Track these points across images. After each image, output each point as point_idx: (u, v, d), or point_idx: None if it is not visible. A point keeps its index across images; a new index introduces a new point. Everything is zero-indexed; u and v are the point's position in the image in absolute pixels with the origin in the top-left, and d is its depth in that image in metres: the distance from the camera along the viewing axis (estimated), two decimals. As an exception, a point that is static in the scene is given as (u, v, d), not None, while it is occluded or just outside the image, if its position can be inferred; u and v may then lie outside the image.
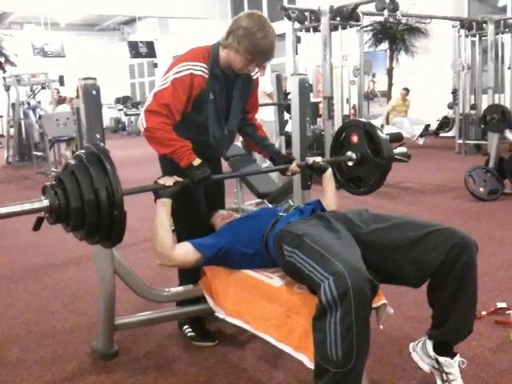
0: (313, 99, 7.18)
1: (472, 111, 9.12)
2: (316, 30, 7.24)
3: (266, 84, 5.87)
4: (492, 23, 8.53)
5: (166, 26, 18.79)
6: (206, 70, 2.28)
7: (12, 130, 10.18)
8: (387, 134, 2.64)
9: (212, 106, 2.35)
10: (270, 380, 2.21)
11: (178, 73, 2.23)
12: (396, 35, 11.65)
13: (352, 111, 8.85)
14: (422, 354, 2.05)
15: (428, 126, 9.74)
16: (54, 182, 1.80)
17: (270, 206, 4.16)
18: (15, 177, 8.92)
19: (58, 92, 11.90)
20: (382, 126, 9.67)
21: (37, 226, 1.82)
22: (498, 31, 8.72)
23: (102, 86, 2.21)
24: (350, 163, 2.68)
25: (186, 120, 2.31)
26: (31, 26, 17.28)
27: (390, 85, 11.71)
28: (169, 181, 2.13)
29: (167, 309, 2.59)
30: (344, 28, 7.20)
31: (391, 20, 7.36)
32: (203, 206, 2.52)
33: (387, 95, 11.62)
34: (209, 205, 2.55)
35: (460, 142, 9.19)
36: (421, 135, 9.57)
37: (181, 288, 2.49)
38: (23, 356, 2.51)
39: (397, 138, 3.75)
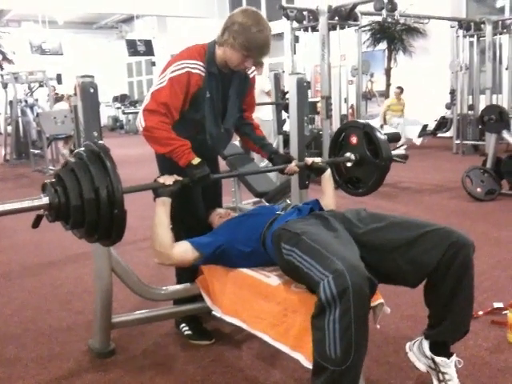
0: (311, 99, 7.20)
1: (470, 111, 9.13)
2: (314, 29, 7.24)
3: (264, 82, 5.88)
4: (490, 24, 8.54)
5: (164, 24, 18.78)
6: (202, 68, 2.28)
7: (9, 128, 10.16)
8: (385, 134, 2.65)
9: (209, 104, 2.35)
10: (267, 379, 2.22)
11: (174, 71, 2.23)
12: (394, 35, 11.66)
13: (350, 111, 8.85)
14: (418, 353, 2.05)
15: (426, 126, 9.75)
16: (53, 180, 1.80)
17: (268, 205, 4.17)
18: (12, 175, 8.90)
19: (55, 90, 11.88)
20: (382, 126, 9.68)
21: (36, 224, 1.82)
22: (496, 32, 8.73)
23: (100, 84, 2.20)
24: (349, 164, 2.68)
25: (183, 119, 2.31)
26: (29, 23, 17.28)
27: (388, 85, 11.72)
28: (168, 180, 2.13)
29: (164, 307, 2.59)
30: (342, 28, 7.20)
31: (389, 20, 7.38)
32: (201, 205, 2.52)
33: (385, 95, 11.63)
34: (206, 204, 2.55)
35: (458, 142, 9.21)
36: (419, 135, 9.58)
37: (178, 286, 2.49)
38: (20, 354, 2.51)
39: (395, 138, 3.77)
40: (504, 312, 2.63)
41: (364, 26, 9.66)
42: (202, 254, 2.21)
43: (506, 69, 9.05)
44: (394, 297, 2.83)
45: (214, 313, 2.22)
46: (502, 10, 10.91)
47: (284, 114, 5.66)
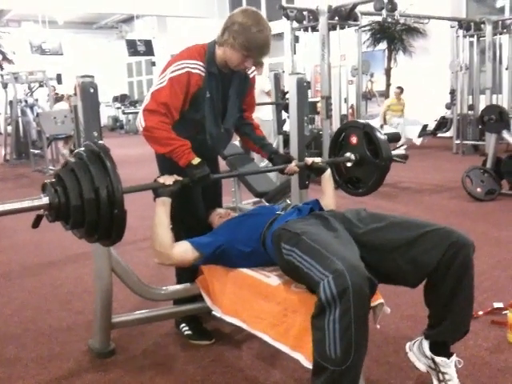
0: (311, 99, 7.20)
1: (470, 111, 9.13)
2: (314, 29, 7.24)
3: (264, 82, 5.88)
4: (490, 24, 8.54)
5: (164, 24, 18.78)
6: (202, 68, 2.28)
7: (9, 128, 10.16)
8: (385, 134, 2.65)
9: (209, 104, 2.35)
10: (267, 379, 2.22)
11: (174, 71, 2.23)
12: (394, 35, 11.66)
13: (350, 111, 8.85)
14: (418, 353, 2.05)
15: (426, 126, 9.75)
16: (53, 180, 1.80)
17: (268, 205, 4.17)
18: (12, 175, 8.90)
19: (54, 89, 11.88)
20: (382, 126, 9.68)
21: (36, 224, 1.82)
22: (496, 32, 8.73)
23: (100, 84, 2.20)
24: (349, 164, 2.68)
25: (182, 119, 2.31)
26: (29, 23, 17.28)
27: (388, 85, 11.73)
28: (168, 180, 2.13)
29: (164, 307, 2.59)
30: (342, 28, 7.19)
31: (389, 20, 7.38)
32: (201, 206, 2.52)
33: (385, 95, 11.63)
34: (206, 204, 2.55)
35: (458, 142, 9.20)
36: (419, 135, 9.58)
37: (178, 286, 2.49)
38: (20, 354, 2.51)
39: (395, 138, 3.77)
40: (504, 312, 2.63)
41: (364, 26, 9.66)
42: (202, 254, 2.21)
43: (506, 69, 9.05)
44: (394, 297, 2.83)
45: (213, 313, 2.22)
46: (502, 10, 10.91)
47: (284, 114, 5.66)
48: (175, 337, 2.61)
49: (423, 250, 1.86)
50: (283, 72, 7.79)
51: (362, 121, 2.78)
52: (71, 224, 1.79)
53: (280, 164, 2.55)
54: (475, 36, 8.95)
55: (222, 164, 3.25)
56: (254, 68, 2.54)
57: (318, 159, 2.59)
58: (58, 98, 11.32)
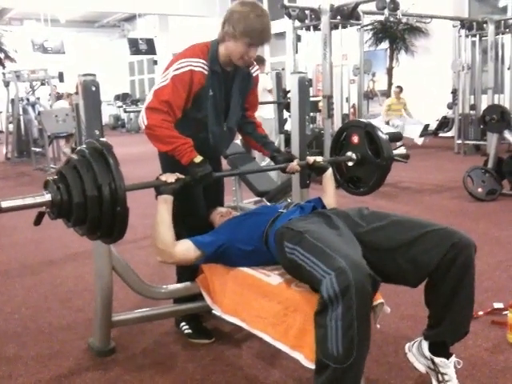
0: (312, 98, 7.19)
1: (471, 111, 9.12)
2: (316, 28, 7.24)
3: (266, 80, 5.87)
4: (492, 23, 8.53)
5: (166, 23, 18.77)
6: (205, 67, 2.28)
7: (11, 126, 10.17)
8: (386, 134, 2.64)
9: (211, 103, 2.34)
10: (267, 378, 2.22)
11: (177, 69, 2.23)
12: (396, 34, 11.65)
13: (351, 110, 8.85)
14: (417, 354, 2.05)
15: (427, 125, 9.75)
16: (56, 177, 1.80)
17: (269, 204, 4.16)
18: (14, 173, 8.91)
19: (56, 88, 11.88)
20: (387, 122, 9.69)
21: (38, 221, 1.82)
22: (498, 31, 8.72)
23: (102, 83, 2.21)
24: (350, 163, 2.68)
25: (185, 117, 2.30)
26: (31, 22, 17.29)
27: (390, 84, 11.71)
28: (171, 177, 2.13)
29: (164, 306, 2.60)
30: (344, 27, 7.19)
31: (392, 19, 7.35)
32: (202, 204, 2.52)
33: (387, 94, 11.62)
34: (208, 203, 2.55)
35: (459, 142, 9.19)
36: (420, 135, 9.57)
37: (178, 285, 2.49)
38: (20, 352, 2.51)
39: (396, 138, 3.76)
40: (504, 312, 2.63)
41: (366, 26, 9.66)
42: (203, 253, 2.21)
43: (508, 68, 9.03)
44: (394, 296, 2.83)
45: (214, 312, 2.22)
46: (504, 10, 10.88)
47: (285, 113, 5.66)
48: (175, 335, 2.61)
49: (424, 249, 1.86)
50: (283, 69, 7.78)
51: (363, 120, 2.78)
52: (73, 221, 1.79)
53: (282, 162, 2.55)
54: (477, 36, 8.94)
55: (223, 163, 3.24)
56: (256, 67, 2.54)
57: (319, 158, 2.59)
58: (59, 97, 11.31)
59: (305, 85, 2.85)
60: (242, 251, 2.18)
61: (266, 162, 5.01)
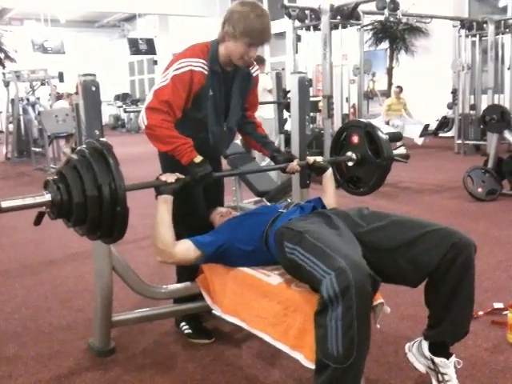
0: (312, 98, 7.19)
1: (471, 111, 9.12)
2: (316, 28, 7.24)
3: (266, 80, 5.87)
4: (492, 23, 8.53)
5: (166, 23, 18.77)
6: (205, 67, 2.28)
7: (11, 126, 10.17)
8: (386, 134, 2.64)
9: (211, 103, 2.35)
10: (267, 378, 2.22)
11: (177, 69, 2.23)
12: (396, 34, 11.65)
13: (351, 110, 8.85)
14: (417, 354, 2.05)
15: (427, 125, 9.75)
16: (56, 177, 1.80)
17: (269, 204, 4.16)
18: (13, 173, 8.91)
19: (56, 88, 11.88)
20: (388, 122, 9.69)
21: (38, 221, 1.82)
22: (498, 31, 8.72)
23: (102, 83, 2.21)
24: (350, 163, 2.68)
25: (185, 117, 2.30)
26: (31, 22, 17.28)
27: (390, 84, 11.71)
28: (170, 177, 2.13)
29: (164, 306, 2.60)
30: (344, 27, 7.19)
31: (392, 19, 7.35)
32: (202, 205, 2.52)
33: (387, 94, 11.63)
34: (208, 203, 2.55)
35: (459, 142, 9.19)
36: (420, 135, 9.57)
37: (178, 285, 2.49)
38: (20, 352, 2.51)
39: (396, 138, 3.76)
40: (504, 312, 2.63)
41: (366, 26, 9.66)
42: (203, 253, 2.21)
43: (508, 68, 9.03)
44: (394, 296, 2.83)
45: (214, 312, 2.22)
46: (504, 10, 10.87)
47: (285, 113, 5.66)
48: (175, 335, 2.61)
49: (424, 249, 1.86)
50: (283, 69, 7.78)
51: (363, 120, 2.78)
52: (73, 221, 1.79)
53: (282, 162, 2.55)
54: (477, 36, 8.94)
55: (223, 163, 3.24)
56: (257, 67, 2.54)
57: (319, 158, 2.59)
58: (59, 97, 11.31)
59: (305, 85, 2.85)
60: (242, 251, 2.18)
61: (266, 162, 5.01)
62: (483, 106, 7.78)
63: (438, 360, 1.96)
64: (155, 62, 16.64)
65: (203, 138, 2.39)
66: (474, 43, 9.13)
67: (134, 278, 2.38)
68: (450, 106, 9.54)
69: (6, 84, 10.03)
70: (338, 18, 6.98)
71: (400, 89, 10.35)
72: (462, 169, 5.79)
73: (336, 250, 1.71)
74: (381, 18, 8.07)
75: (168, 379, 2.23)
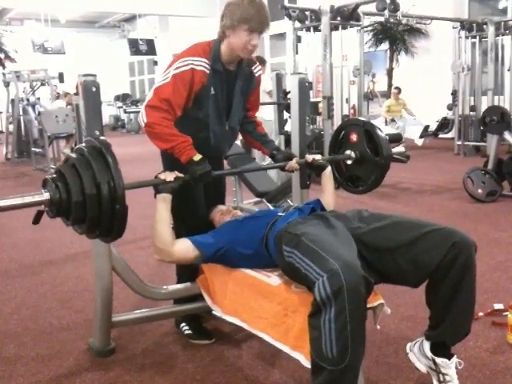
0: (312, 99, 7.19)
1: (471, 113, 9.12)
2: (316, 29, 7.24)
3: (265, 82, 5.86)
4: (492, 25, 8.53)
5: (166, 23, 18.78)
6: (207, 65, 2.28)
7: (11, 127, 10.17)
8: (386, 135, 2.64)
9: (213, 102, 2.35)
10: (267, 378, 2.21)
11: (178, 68, 2.23)
12: (396, 36, 11.65)
13: (351, 111, 8.86)
14: (419, 354, 2.05)
15: (427, 126, 9.75)
16: (54, 176, 1.80)
17: (269, 204, 4.17)
18: (14, 173, 8.91)
19: (56, 88, 11.88)
20: (386, 122, 9.70)
21: (36, 220, 1.82)
22: (498, 33, 8.72)
23: (102, 83, 2.21)
24: (349, 162, 2.68)
25: (185, 117, 2.30)
26: (31, 22, 17.28)
27: (390, 85, 11.71)
28: (169, 176, 2.13)
29: (164, 306, 2.60)
30: (344, 28, 7.19)
31: (392, 20, 7.36)
32: (202, 205, 2.52)
33: (387, 95, 11.63)
34: (209, 202, 2.55)
35: (459, 143, 9.19)
36: (420, 136, 9.57)
37: (178, 286, 2.49)
38: (20, 352, 2.51)
39: (396, 139, 3.76)
40: (504, 313, 2.63)
41: (366, 27, 9.65)
42: (202, 253, 2.21)
43: (508, 70, 9.04)
44: (394, 297, 2.83)
45: (214, 312, 2.22)
46: (504, 11, 10.89)
47: (285, 114, 5.66)
48: (175, 336, 2.61)
49: (424, 249, 1.86)
50: (284, 71, 7.79)
51: (362, 118, 2.78)
52: (72, 220, 1.79)
53: (281, 161, 2.55)
54: (477, 37, 8.94)
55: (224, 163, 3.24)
56: (259, 67, 2.54)
57: (318, 156, 2.59)
58: (58, 97, 11.31)
59: (305, 86, 2.85)
60: (242, 254, 2.18)
61: (266, 162, 5.01)
62: (483, 107, 7.79)
63: (439, 360, 1.96)
64: (155, 63, 16.64)
65: (204, 137, 2.39)
66: (473, 44, 9.13)
67: (133, 278, 2.38)
68: (449, 107, 9.54)
69: (6, 84, 10.04)
70: (338, 19, 6.98)
71: (398, 90, 10.36)
72: (462, 170, 5.79)
73: (330, 252, 1.71)
74: (381, 19, 8.06)
75: (168, 379, 2.23)
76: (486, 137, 8.24)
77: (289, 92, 4.91)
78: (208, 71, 2.28)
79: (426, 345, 2.01)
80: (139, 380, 2.23)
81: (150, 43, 14.36)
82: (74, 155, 1.84)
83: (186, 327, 2.58)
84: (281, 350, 1.86)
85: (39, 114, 8.89)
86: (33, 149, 9.26)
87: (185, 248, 2.20)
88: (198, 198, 2.48)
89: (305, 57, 7.99)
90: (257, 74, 2.52)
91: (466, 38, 8.99)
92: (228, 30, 2.26)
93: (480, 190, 5.43)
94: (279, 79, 5.24)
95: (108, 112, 18.57)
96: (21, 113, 9.71)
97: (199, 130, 2.37)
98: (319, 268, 1.67)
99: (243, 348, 2.47)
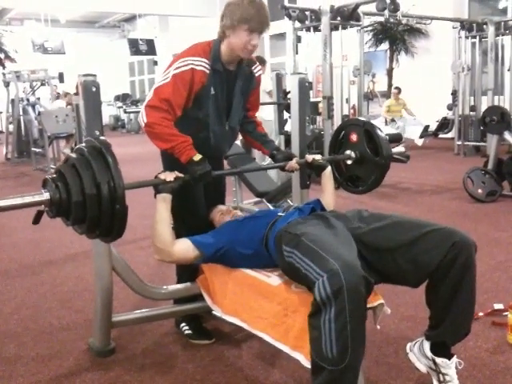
0: (312, 99, 7.19)
1: (471, 113, 9.12)
2: (316, 29, 7.24)
3: (265, 82, 5.86)
4: (492, 25, 8.53)
5: (166, 23, 18.77)
6: (207, 65, 2.28)
7: (11, 127, 10.17)
8: (386, 135, 2.64)
9: (213, 102, 2.35)
10: (267, 378, 2.22)
11: (178, 68, 2.23)
12: (396, 36, 11.65)
13: (351, 111, 8.86)
14: (419, 354, 2.05)
15: (427, 126, 9.75)
16: (54, 175, 1.80)
17: (269, 204, 4.17)
18: (14, 173, 8.91)
19: (56, 88, 11.88)
20: (386, 121, 9.70)
21: (36, 220, 1.82)
22: (498, 33, 8.72)
23: (102, 83, 2.21)
24: (349, 162, 2.68)
25: (185, 117, 2.30)
26: (31, 22, 17.28)
27: (390, 85, 11.71)
28: (169, 176, 2.13)
29: (164, 306, 2.60)
30: (344, 28, 7.19)
31: (392, 20, 7.36)
32: (202, 205, 2.52)
33: (387, 95, 11.63)
34: (209, 203, 2.55)
35: (459, 143, 9.19)
36: (420, 136, 9.57)
37: (178, 286, 2.49)
38: (20, 352, 2.51)
39: (396, 139, 3.76)
40: (504, 313, 2.63)
41: (366, 27, 9.65)
42: (202, 253, 2.21)
43: (508, 70, 9.04)
44: (394, 297, 2.83)
45: (214, 312, 2.22)
46: (504, 11, 10.89)
47: (285, 114, 5.66)
48: (175, 336, 2.61)
49: (424, 249, 1.86)
50: (285, 71, 7.79)
51: (362, 118, 2.78)
52: (72, 220, 1.79)
53: (281, 161, 2.55)
54: (477, 37, 8.94)
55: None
56: (259, 67, 2.54)
57: (318, 156, 2.59)
58: (58, 97, 11.32)
59: (305, 86, 2.85)
60: (242, 254, 2.18)
61: (266, 162, 5.01)
62: (483, 107, 7.79)
63: (439, 360, 1.96)
64: (155, 63, 16.64)
65: (204, 137, 2.38)
66: (473, 44, 9.13)
67: (133, 278, 2.38)
68: (449, 107, 9.54)
69: (6, 84, 10.04)
70: (338, 19, 6.97)
71: (398, 90, 10.36)
72: (462, 170, 5.79)
73: (329, 252, 1.71)
74: (381, 19, 8.06)
75: (168, 379, 2.23)
76: (486, 137, 8.24)
77: (289, 92, 4.91)
78: (208, 71, 2.28)
79: (426, 345, 2.01)
80: (139, 380, 2.23)
81: (150, 43, 14.36)
82: (73, 155, 1.84)
83: (186, 327, 2.58)
84: (281, 349, 1.86)
85: (39, 114, 8.89)
86: (33, 149, 9.26)
87: (185, 248, 2.20)
88: (198, 198, 2.48)
89: (305, 57, 7.99)
90: (257, 74, 2.52)
91: (466, 37, 8.99)
92: (228, 30, 2.26)
93: (480, 190, 5.43)
94: (279, 79, 5.24)
95: (108, 112, 18.57)
96: (21, 113, 9.71)
97: (199, 130, 2.37)
98: (319, 268, 1.67)
99: (243, 348, 2.47)
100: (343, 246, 1.80)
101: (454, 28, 9.16)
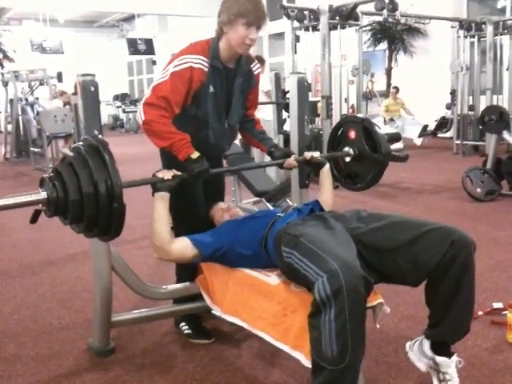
0: (311, 98, 7.20)
1: (470, 112, 9.12)
2: (315, 29, 7.24)
3: (263, 82, 5.85)
4: (491, 24, 8.53)
5: (165, 23, 18.74)
6: (205, 63, 2.28)
7: (10, 126, 10.16)
8: (385, 134, 2.65)
9: (212, 100, 2.34)
10: (267, 378, 2.22)
11: (177, 66, 2.23)
12: (395, 35, 11.65)
13: (350, 111, 8.86)
14: (418, 353, 2.05)
15: (426, 126, 9.75)
16: (51, 174, 1.80)
17: (268, 204, 4.17)
18: (12, 173, 8.90)
19: (55, 88, 11.88)
20: (385, 121, 9.70)
21: (34, 219, 1.82)
22: (496, 32, 8.72)
23: (101, 83, 2.20)
24: (348, 159, 2.68)
25: (184, 115, 2.30)
26: (30, 22, 17.25)
27: (389, 85, 11.70)
28: (167, 174, 2.13)
29: (164, 306, 2.60)
30: (343, 27, 7.20)
31: (390, 20, 7.36)
32: (202, 204, 2.52)
33: (386, 95, 11.63)
34: (208, 202, 2.55)
35: (458, 142, 9.20)
36: (419, 135, 9.58)
37: (178, 285, 2.49)
38: (19, 352, 2.51)
39: (395, 138, 3.77)
40: (503, 312, 2.63)
41: (365, 26, 9.66)
42: (201, 252, 2.21)
43: (507, 69, 9.05)
44: (394, 296, 2.83)
45: (213, 312, 2.22)
46: (502, 11, 10.90)
47: (284, 114, 5.66)
48: (175, 336, 2.61)
49: (424, 249, 1.86)
50: (284, 75, 7.79)
51: (360, 115, 2.78)
52: (70, 219, 1.79)
53: (279, 158, 2.55)
54: (476, 36, 8.95)
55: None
56: (258, 65, 2.54)
57: (316, 154, 2.59)
58: (56, 96, 11.32)
59: (304, 85, 2.85)
60: (241, 255, 2.18)
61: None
62: (482, 106, 7.80)
63: (439, 359, 1.96)
64: (154, 62, 16.64)
65: (204, 135, 2.38)
66: (472, 44, 9.14)
67: (133, 278, 2.38)
68: (448, 107, 9.55)
69: (5, 84, 10.03)
70: (337, 18, 6.98)
71: (396, 89, 10.36)
72: (461, 169, 5.80)
73: (329, 252, 1.71)
74: (379, 18, 8.08)
75: (167, 379, 2.23)
76: (485, 136, 8.24)
77: (287, 92, 4.91)
78: (207, 69, 2.28)
79: (426, 344, 2.01)
80: (139, 380, 2.23)
81: (149, 43, 14.35)
82: (71, 154, 1.83)
83: (186, 327, 2.58)
84: (281, 349, 1.86)
85: (38, 113, 8.88)
86: (31, 148, 9.25)
87: (183, 246, 2.20)
88: (196, 196, 2.48)
89: (303, 56, 7.99)
90: (255, 72, 2.52)
91: (465, 37, 9.00)
92: (225, 26, 2.26)
93: (479, 190, 5.43)
94: (278, 79, 5.24)
95: (107, 112, 18.54)
96: (19, 112, 9.70)
97: (198, 129, 2.37)
98: (318, 268, 1.68)
99: (243, 348, 2.47)
100: (342, 247, 1.80)
101: (452, 27, 9.17)
